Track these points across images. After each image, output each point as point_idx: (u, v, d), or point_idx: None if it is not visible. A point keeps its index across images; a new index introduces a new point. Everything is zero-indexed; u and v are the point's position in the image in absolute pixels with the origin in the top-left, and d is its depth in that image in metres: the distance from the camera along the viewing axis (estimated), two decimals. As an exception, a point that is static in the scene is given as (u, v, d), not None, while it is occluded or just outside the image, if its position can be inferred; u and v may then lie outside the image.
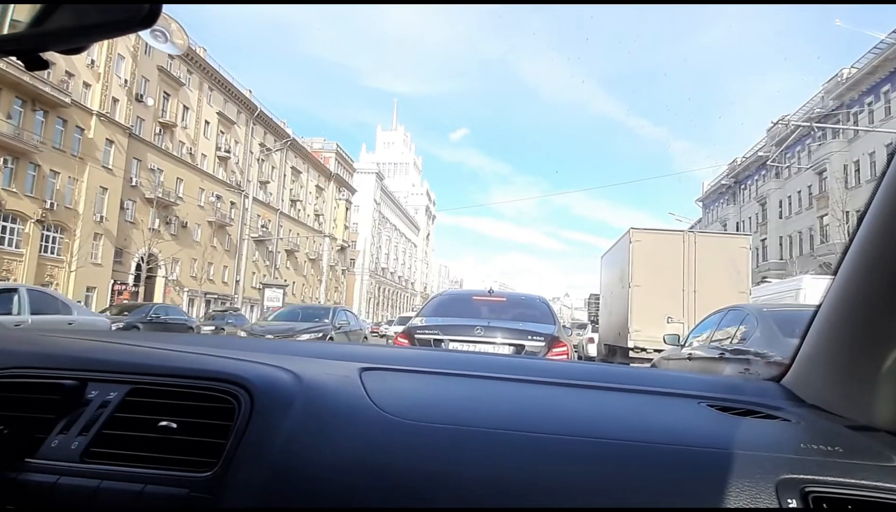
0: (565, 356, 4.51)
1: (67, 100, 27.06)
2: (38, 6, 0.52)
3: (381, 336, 26.89)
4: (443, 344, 4.53)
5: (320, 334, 10.15)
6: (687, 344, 6.42)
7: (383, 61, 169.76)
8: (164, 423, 0.76)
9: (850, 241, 0.86)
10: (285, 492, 0.66)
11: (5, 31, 0.54)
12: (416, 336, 4.64)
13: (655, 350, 10.39)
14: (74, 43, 0.54)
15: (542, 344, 4.45)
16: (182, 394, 0.79)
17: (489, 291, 5.73)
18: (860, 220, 0.84)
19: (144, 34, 1.02)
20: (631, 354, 11.17)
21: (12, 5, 0.54)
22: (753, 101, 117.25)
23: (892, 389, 0.78)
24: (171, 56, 32.48)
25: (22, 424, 0.78)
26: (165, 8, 0.49)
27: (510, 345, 4.47)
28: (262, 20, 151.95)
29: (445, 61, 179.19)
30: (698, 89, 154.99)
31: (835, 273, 0.90)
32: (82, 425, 0.78)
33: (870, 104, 27.38)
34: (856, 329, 0.85)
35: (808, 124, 17.87)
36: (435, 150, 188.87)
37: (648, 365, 9.27)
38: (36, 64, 0.54)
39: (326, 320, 10.84)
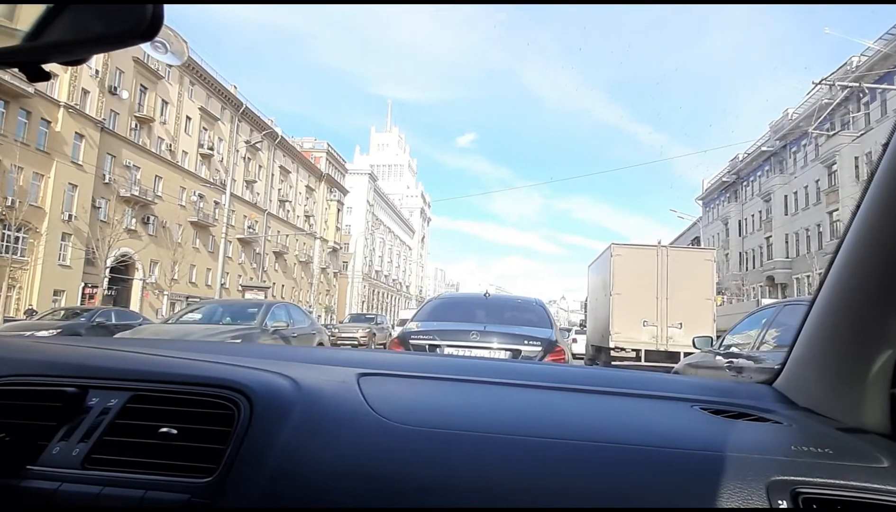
0: (562, 360, 4.51)
1: (30, 89, 25.32)
2: (38, 18, 0.51)
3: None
4: (438, 349, 4.47)
5: (239, 340, 7.65)
6: (723, 348, 5.46)
7: (387, 69, 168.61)
8: (164, 429, 0.77)
9: (840, 244, 0.86)
10: (284, 497, 0.67)
11: (6, 44, 0.53)
12: (410, 341, 4.56)
13: (633, 349, 12.59)
14: (75, 55, 0.54)
15: (539, 349, 4.39)
16: (182, 400, 0.80)
17: (485, 295, 5.81)
18: (848, 223, 0.84)
19: (145, 46, 0.83)
20: (612, 353, 12.87)
21: (12, 17, 0.53)
22: (744, 110, 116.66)
23: (881, 391, 0.79)
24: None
25: (23, 431, 0.78)
26: (172, 17, 0.51)
27: (506, 350, 4.40)
28: (270, 28, 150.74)
29: (449, 69, 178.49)
30: (691, 98, 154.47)
31: (825, 276, 0.90)
32: (83, 432, 0.79)
33: (882, 92, 25.97)
34: (846, 332, 0.85)
35: (857, 85, 16.24)
36: (439, 155, 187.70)
37: (668, 371, 8.37)
38: (38, 75, 0.54)
39: (254, 322, 8.68)
